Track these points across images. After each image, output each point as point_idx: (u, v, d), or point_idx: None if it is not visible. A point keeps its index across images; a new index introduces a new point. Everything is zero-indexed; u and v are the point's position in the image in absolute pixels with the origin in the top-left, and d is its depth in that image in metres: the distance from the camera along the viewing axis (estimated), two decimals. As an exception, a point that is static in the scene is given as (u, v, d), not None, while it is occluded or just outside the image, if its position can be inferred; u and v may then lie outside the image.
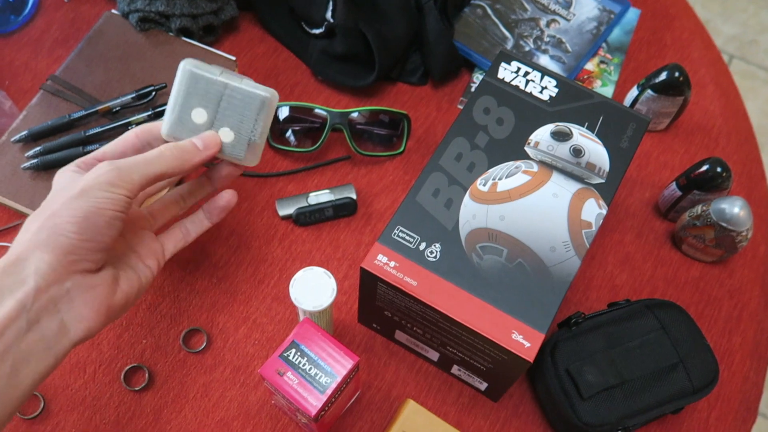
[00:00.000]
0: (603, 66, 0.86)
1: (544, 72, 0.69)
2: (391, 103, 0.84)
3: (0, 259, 0.51)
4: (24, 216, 0.74)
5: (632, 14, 0.90)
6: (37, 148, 0.73)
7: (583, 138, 0.65)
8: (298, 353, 0.58)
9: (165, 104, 0.75)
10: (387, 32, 0.81)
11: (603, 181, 0.63)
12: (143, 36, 0.82)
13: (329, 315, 0.65)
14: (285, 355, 0.58)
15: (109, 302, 0.55)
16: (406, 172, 0.80)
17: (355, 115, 0.78)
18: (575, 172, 0.64)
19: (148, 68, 0.80)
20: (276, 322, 0.71)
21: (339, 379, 0.57)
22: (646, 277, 0.76)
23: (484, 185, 0.62)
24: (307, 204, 0.76)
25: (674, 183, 0.75)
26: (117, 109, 0.76)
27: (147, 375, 0.68)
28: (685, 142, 0.84)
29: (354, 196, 0.77)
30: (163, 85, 0.77)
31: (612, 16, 0.88)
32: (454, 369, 0.67)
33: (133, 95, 0.76)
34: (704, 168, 0.72)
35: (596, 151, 0.65)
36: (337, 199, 0.76)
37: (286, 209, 0.76)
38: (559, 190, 0.62)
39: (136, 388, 0.67)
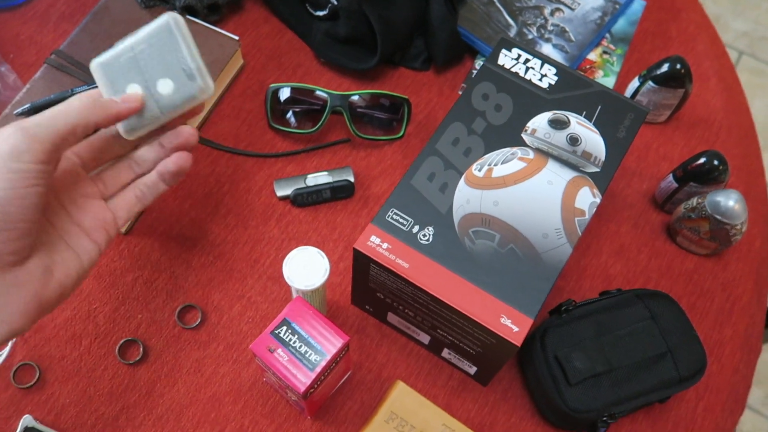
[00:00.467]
0: (606, 56, 0.86)
1: (545, 60, 0.69)
2: (392, 87, 0.85)
3: None
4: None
5: (637, 5, 0.89)
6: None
7: (581, 127, 0.65)
8: (289, 331, 0.58)
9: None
10: (391, 16, 0.81)
11: (598, 170, 0.64)
12: (148, 13, 0.82)
13: (322, 295, 0.65)
14: (276, 332, 0.58)
15: (40, 298, 0.48)
16: (405, 157, 0.80)
17: (355, 98, 0.78)
18: (571, 160, 0.64)
19: (151, 45, 0.80)
20: (270, 301, 0.72)
21: (329, 357, 0.58)
22: (640, 267, 0.76)
23: (480, 170, 0.63)
24: (305, 185, 0.77)
25: (671, 175, 0.75)
26: (119, 85, 0.76)
27: (141, 349, 0.69)
28: (685, 134, 0.84)
29: (352, 179, 0.77)
30: (166, 62, 0.77)
31: (617, 6, 0.88)
32: (445, 352, 0.68)
33: (136, 72, 0.76)
34: (701, 160, 0.72)
35: (593, 140, 0.65)
36: (335, 181, 0.76)
37: (284, 190, 0.77)
38: (554, 178, 0.63)
39: (131, 362, 0.68)
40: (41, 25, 0.85)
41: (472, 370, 0.67)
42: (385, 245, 0.59)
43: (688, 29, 0.92)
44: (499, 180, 0.62)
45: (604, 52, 0.86)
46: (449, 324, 0.61)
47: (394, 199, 0.61)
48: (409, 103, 0.80)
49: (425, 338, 0.68)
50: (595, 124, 0.66)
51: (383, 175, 0.79)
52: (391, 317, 0.69)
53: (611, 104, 0.67)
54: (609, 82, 0.84)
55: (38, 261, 0.48)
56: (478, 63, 0.85)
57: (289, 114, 0.80)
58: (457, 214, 0.61)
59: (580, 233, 0.61)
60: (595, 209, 0.62)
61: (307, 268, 0.62)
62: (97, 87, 0.68)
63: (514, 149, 0.64)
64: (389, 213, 0.61)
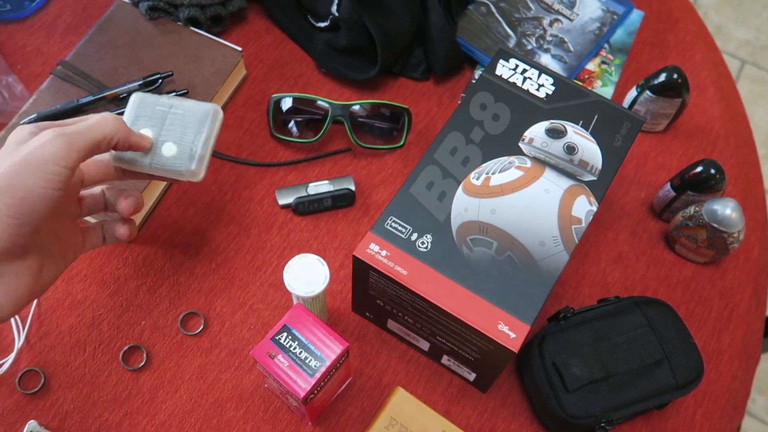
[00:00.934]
0: (604, 66, 0.86)
1: (542, 70, 0.70)
2: (393, 97, 0.86)
3: None
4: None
5: (636, 16, 0.90)
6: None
7: (577, 136, 0.66)
8: (290, 337, 0.59)
9: (171, 92, 0.77)
10: (391, 27, 0.82)
11: (595, 178, 0.64)
12: (152, 24, 0.83)
13: (322, 302, 0.66)
14: (276, 338, 0.59)
15: (31, 292, 0.52)
16: (405, 166, 0.81)
17: (356, 107, 0.79)
18: (568, 168, 0.65)
19: (155, 56, 0.81)
20: (272, 308, 0.73)
21: (328, 363, 0.58)
22: (638, 275, 0.77)
23: (478, 179, 0.64)
24: (306, 194, 0.78)
25: (669, 183, 0.76)
26: (124, 95, 0.78)
27: (145, 355, 0.70)
28: (683, 144, 0.85)
29: (353, 188, 0.78)
30: (170, 73, 0.78)
31: (615, 17, 0.89)
32: (444, 359, 0.68)
33: (140, 82, 0.78)
34: (698, 169, 0.73)
35: (589, 149, 0.66)
36: (336, 190, 0.77)
37: (286, 198, 0.78)
38: (551, 186, 0.64)
39: (134, 368, 0.69)
40: (47, 37, 0.87)
41: (472, 376, 0.68)
42: (384, 252, 0.60)
43: (686, 39, 0.92)
44: (497, 188, 0.63)
45: (603, 62, 0.87)
46: (448, 331, 0.62)
47: (393, 207, 0.62)
48: (409, 112, 0.81)
49: (425, 345, 0.69)
50: (591, 134, 0.67)
51: (384, 184, 0.80)
52: (391, 324, 0.69)
53: (608, 113, 0.68)
54: (607, 91, 0.85)
55: (34, 259, 0.53)
56: (478, 73, 0.86)
57: (291, 123, 0.81)
58: (455, 222, 0.62)
59: (576, 241, 0.61)
60: (591, 217, 0.63)
61: (307, 275, 0.62)
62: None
63: (512, 158, 0.65)
64: (388, 221, 0.62)
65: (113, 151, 0.60)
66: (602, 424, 0.63)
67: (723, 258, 0.78)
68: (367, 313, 0.71)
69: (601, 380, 0.64)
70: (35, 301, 0.71)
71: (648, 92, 0.79)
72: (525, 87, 0.69)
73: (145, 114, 0.61)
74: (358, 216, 0.78)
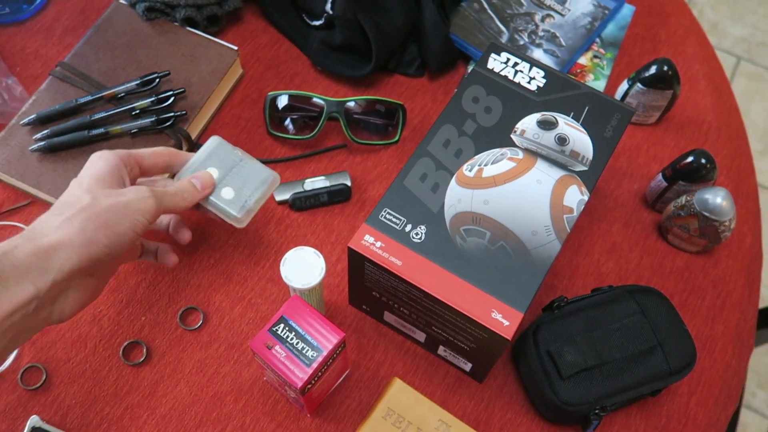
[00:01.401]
0: (596, 60, 0.87)
1: (533, 63, 0.71)
2: (387, 93, 0.87)
3: (33, 235, 0.55)
4: (30, 196, 0.77)
5: (627, 10, 0.91)
6: (45, 131, 0.76)
7: (568, 127, 0.67)
8: (287, 328, 0.60)
9: (168, 91, 0.78)
10: (385, 24, 0.83)
11: (586, 168, 0.65)
12: (149, 25, 0.84)
13: (319, 294, 0.67)
14: (274, 329, 0.60)
15: (89, 301, 0.60)
16: (400, 161, 0.82)
17: (351, 104, 0.80)
18: (559, 159, 0.66)
19: (153, 56, 0.83)
20: (270, 302, 0.74)
21: (325, 353, 0.59)
22: (632, 265, 0.77)
23: (471, 171, 0.65)
24: (303, 190, 0.79)
25: (661, 174, 0.77)
26: (122, 95, 0.79)
27: (145, 350, 0.71)
28: (675, 135, 0.86)
29: (349, 183, 0.79)
30: (167, 72, 0.79)
31: (606, 11, 0.90)
32: (441, 350, 0.69)
33: (138, 82, 0.79)
34: (689, 159, 0.74)
35: (580, 140, 0.67)
36: (332, 186, 0.78)
37: (283, 194, 0.78)
38: (543, 177, 0.65)
39: (135, 363, 0.70)
40: (46, 39, 0.88)
41: (468, 366, 0.69)
42: (378, 244, 0.61)
43: (677, 33, 0.93)
44: (490, 179, 0.64)
45: (595, 57, 0.88)
46: (443, 320, 0.62)
47: (388, 199, 0.63)
48: (404, 108, 0.82)
49: (421, 336, 0.69)
50: (582, 125, 0.68)
51: (379, 179, 0.81)
52: (388, 316, 0.70)
53: (598, 105, 0.69)
54: (599, 85, 0.86)
55: (100, 276, 0.60)
56: (471, 69, 0.87)
57: (287, 121, 0.82)
58: (449, 213, 0.63)
59: (568, 230, 0.62)
60: (583, 206, 0.64)
61: (303, 267, 0.63)
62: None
63: (504, 150, 0.66)
64: (383, 213, 0.63)
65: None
66: (596, 411, 0.64)
67: (716, 247, 0.79)
68: (364, 306, 0.72)
69: (595, 367, 0.65)
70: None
71: (639, 84, 0.80)
72: (516, 80, 0.70)
73: (217, 157, 0.68)
74: (354, 211, 0.79)
